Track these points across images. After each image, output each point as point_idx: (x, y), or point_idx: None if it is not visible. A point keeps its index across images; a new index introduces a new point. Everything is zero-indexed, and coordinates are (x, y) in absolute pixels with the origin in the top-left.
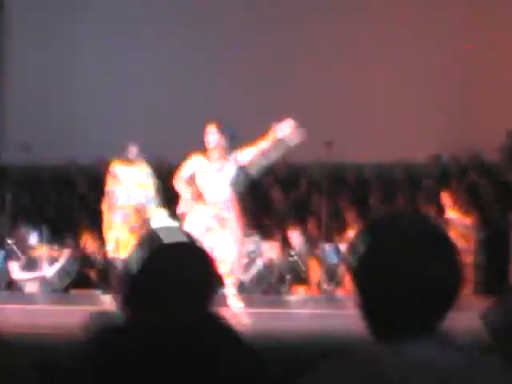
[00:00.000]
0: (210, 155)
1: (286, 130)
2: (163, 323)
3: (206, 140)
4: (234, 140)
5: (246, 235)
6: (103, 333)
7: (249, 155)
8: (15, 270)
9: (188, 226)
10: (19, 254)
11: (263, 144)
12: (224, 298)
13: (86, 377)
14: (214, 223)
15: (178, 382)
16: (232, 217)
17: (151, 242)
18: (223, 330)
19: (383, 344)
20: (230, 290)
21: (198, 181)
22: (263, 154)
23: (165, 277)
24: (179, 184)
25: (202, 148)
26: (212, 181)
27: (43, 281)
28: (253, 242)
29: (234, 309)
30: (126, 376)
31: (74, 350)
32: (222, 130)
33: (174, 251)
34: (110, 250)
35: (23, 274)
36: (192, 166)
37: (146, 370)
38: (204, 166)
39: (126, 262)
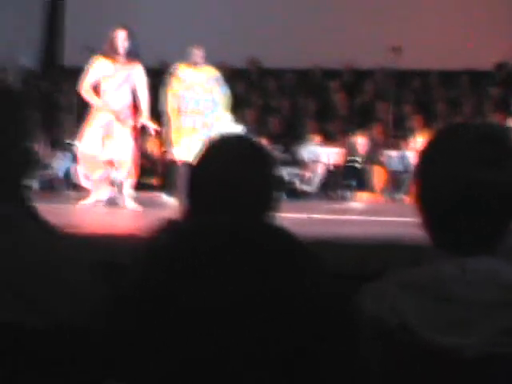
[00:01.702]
0: (117, 60)
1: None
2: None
3: (114, 45)
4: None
5: (309, 140)
6: (164, 234)
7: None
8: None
9: (87, 134)
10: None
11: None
12: None
13: (144, 276)
14: (113, 129)
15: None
16: (129, 123)
17: (218, 146)
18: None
19: (446, 257)
20: (127, 191)
21: (102, 86)
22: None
23: (224, 174)
24: (87, 93)
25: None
26: (115, 86)
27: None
28: (316, 148)
29: (130, 209)
30: (177, 282)
31: (136, 250)
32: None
33: (236, 149)
34: (177, 154)
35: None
36: (97, 71)
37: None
38: (109, 70)
39: (191, 166)
